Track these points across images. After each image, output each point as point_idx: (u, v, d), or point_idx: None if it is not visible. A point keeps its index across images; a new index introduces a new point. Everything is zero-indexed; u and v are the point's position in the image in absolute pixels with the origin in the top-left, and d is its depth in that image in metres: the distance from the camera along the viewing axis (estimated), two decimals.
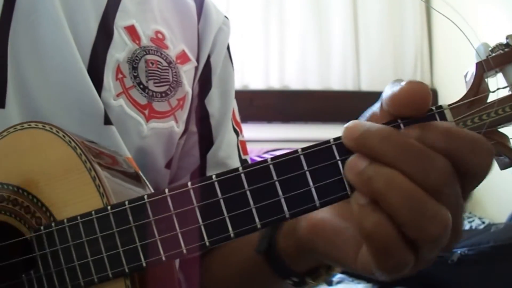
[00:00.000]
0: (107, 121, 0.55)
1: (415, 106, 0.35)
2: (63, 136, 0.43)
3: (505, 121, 0.37)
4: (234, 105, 0.73)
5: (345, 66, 2.75)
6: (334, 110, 2.58)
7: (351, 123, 0.35)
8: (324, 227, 0.42)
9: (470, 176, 0.34)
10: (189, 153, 0.67)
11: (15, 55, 0.53)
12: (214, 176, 0.36)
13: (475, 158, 0.34)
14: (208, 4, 0.70)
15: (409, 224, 0.32)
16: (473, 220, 2.29)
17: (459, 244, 1.64)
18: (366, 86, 2.75)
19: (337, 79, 2.75)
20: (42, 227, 0.41)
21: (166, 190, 0.37)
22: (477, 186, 0.35)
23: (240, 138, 0.72)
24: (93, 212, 0.39)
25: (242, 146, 0.72)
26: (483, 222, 2.21)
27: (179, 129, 0.63)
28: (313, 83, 2.74)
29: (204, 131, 0.68)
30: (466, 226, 2.22)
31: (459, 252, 1.61)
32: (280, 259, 0.48)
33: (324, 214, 0.42)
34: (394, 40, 2.77)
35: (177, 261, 0.62)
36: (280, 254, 0.48)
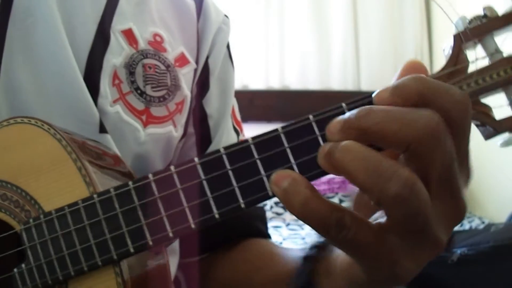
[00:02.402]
0: (103, 129, 0.54)
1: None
2: (48, 129, 0.43)
3: (486, 90, 0.37)
4: (234, 104, 0.72)
5: (345, 66, 2.76)
6: None
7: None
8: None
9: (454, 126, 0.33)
10: (187, 155, 0.66)
11: (9, 60, 0.52)
12: (196, 159, 0.36)
13: (450, 99, 0.33)
14: (207, 3, 0.68)
15: (367, 187, 0.32)
16: (473, 220, 2.29)
17: (459, 244, 1.64)
18: (366, 86, 2.76)
19: (337, 79, 2.76)
20: (31, 220, 0.41)
21: (150, 175, 0.37)
22: (463, 144, 0.34)
23: (241, 137, 0.71)
24: (79, 201, 0.39)
25: None
26: (483, 222, 2.21)
27: (177, 133, 0.61)
28: (313, 83, 2.75)
29: (202, 132, 0.66)
30: (466, 226, 2.22)
31: (459, 252, 1.61)
32: None
33: None
34: (394, 40, 2.77)
35: (175, 260, 0.62)
36: None
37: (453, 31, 0.38)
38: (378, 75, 2.72)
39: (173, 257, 0.62)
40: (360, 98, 0.36)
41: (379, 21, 2.76)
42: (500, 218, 2.04)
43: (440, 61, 2.74)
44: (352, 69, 2.76)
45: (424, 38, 2.80)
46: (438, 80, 0.35)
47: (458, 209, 0.35)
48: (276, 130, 0.36)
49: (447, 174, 0.33)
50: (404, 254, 0.35)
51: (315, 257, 0.47)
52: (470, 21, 0.38)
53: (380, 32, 2.76)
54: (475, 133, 0.38)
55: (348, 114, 0.34)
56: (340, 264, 0.41)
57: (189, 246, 0.64)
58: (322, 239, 0.47)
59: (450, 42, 0.38)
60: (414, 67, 0.37)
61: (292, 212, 0.33)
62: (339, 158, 0.33)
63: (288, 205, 0.33)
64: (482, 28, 0.38)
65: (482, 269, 1.58)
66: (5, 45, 0.52)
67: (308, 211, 0.33)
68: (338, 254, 0.42)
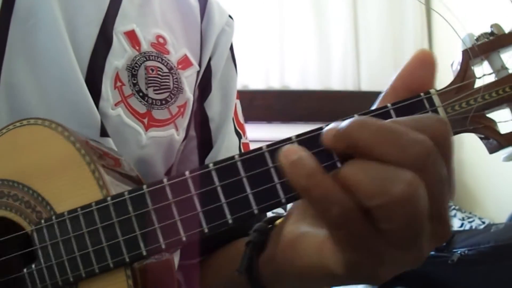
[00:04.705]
0: (104, 133, 0.54)
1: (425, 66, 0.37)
2: (62, 131, 0.43)
3: (492, 106, 0.38)
4: (237, 106, 0.71)
5: (345, 66, 2.75)
6: (334, 110, 2.58)
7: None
8: (294, 238, 0.41)
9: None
10: (188, 158, 0.65)
11: (10, 62, 0.52)
12: (211, 165, 0.37)
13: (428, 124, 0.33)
14: (211, 4, 0.68)
15: (372, 192, 0.31)
16: (473, 220, 2.29)
17: (459, 244, 1.65)
18: (366, 86, 2.75)
19: (337, 79, 2.75)
20: (42, 221, 0.41)
21: (165, 180, 0.38)
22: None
23: (243, 140, 0.71)
24: (93, 204, 0.40)
25: (245, 149, 0.70)
26: (483, 222, 2.21)
27: (179, 137, 0.61)
28: (313, 83, 2.75)
29: (203, 136, 0.66)
30: (466, 226, 2.22)
31: (459, 252, 1.61)
32: (261, 283, 0.46)
33: (296, 229, 0.40)
34: (394, 40, 2.77)
35: (176, 260, 0.62)
36: (261, 278, 0.46)
37: (460, 45, 0.39)
38: (378, 75, 2.72)
39: (175, 257, 0.62)
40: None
41: (379, 21, 2.75)
42: (500, 218, 2.04)
43: (440, 62, 2.76)
44: (352, 69, 2.76)
45: (424, 38, 2.80)
46: (446, 93, 0.36)
47: (444, 231, 0.35)
48: (290, 138, 0.36)
49: (439, 197, 0.33)
50: (390, 258, 0.34)
51: (255, 241, 0.47)
52: (478, 38, 0.39)
53: (380, 32, 2.76)
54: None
55: (343, 123, 0.34)
56: (307, 253, 0.39)
57: (190, 248, 0.64)
58: (264, 224, 0.48)
59: (458, 57, 0.39)
60: (424, 59, 0.38)
61: (296, 185, 0.33)
62: (345, 174, 0.33)
63: (294, 176, 0.33)
64: (489, 45, 0.39)
65: (482, 269, 1.58)
66: (7, 47, 0.52)
67: (312, 184, 0.32)
68: (306, 244, 0.40)
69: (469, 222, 2.27)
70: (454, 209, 2.42)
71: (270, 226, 0.48)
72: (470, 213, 2.39)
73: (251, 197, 0.36)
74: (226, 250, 0.63)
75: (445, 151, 0.33)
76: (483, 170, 2.35)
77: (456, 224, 2.26)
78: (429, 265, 1.64)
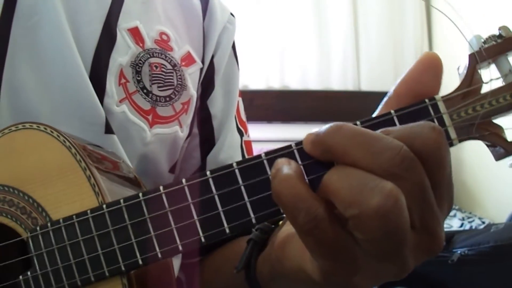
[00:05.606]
0: (108, 130, 0.54)
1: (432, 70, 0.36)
2: (58, 136, 0.43)
3: (499, 111, 0.37)
4: (239, 104, 0.71)
5: (345, 66, 2.75)
6: (334, 110, 2.58)
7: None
8: (285, 238, 0.40)
9: (428, 161, 0.32)
10: (191, 155, 0.65)
11: (13, 59, 0.52)
12: (208, 173, 0.36)
13: (423, 136, 0.32)
14: (213, 2, 0.68)
15: (348, 200, 0.30)
16: (473, 220, 2.29)
17: (459, 244, 1.64)
18: (366, 86, 2.75)
19: (337, 79, 2.75)
20: (38, 228, 0.41)
21: (161, 188, 0.37)
22: (443, 177, 0.33)
23: (245, 138, 0.71)
24: (88, 211, 0.39)
25: (246, 147, 0.70)
26: (483, 222, 2.21)
27: (183, 133, 0.61)
28: (313, 83, 2.75)
29: (206, 133, 0.66)
30: (466, 226, 2.22)
31: (459, 252, 1.61)
32: (257, 282, 0.46)
33: (290, 229, 0.40)
34: (394, 40, 2.77)
35: (178, 262, 0.62)
36: (257, 276, 0.46)
37: (461, 46, 0.38)
38: (378, 75, 2.72)
39: (176, 259, 0.62)
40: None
41: (379, 21, 2.75)
42: (500, 218, 2.04)
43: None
44: (352, 69, 2.76)
45: (424, 38, 2.80)
46: (452, 99, 0.35)
47: (433, 243, 0.34)
48: (290, 146, 0.36)
49: (422, 207, 0.32)
50: (367, 269, 0.33)
51: (256, 240, 0.47)
52: (485, 41, 0.37)
53: (380, 32, 2.76)
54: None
55: (321, 128, 0.33)
56: (292, 255, 0.39)
57: None
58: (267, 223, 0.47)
59: (465, 61, 0.38)
60: (429, 62, 0.36)
61: (271, 187, 0.32)
62: (325, 181, 0.32)
63: (272, 179, 0.33)
64: (497, 48, 0.37)
65: (482, 269, 1.58)
66: (9, 44, 0.52)
67: (284, 187, 0.32)
68: (293, 245, 0.39)
69: (469, 222, 2.28)
70: (454, 209, 2.42)
71: (273, 225, 0.47)
72: (470, 213, 2.39)
73: (249, 205, 0.35)
74: (227, 249, 0.63)
75: (437, 160, 0.32)
76: (483, 170, 2.35)
77: (456, 224, 2.26)
78: (429, 265, 1.63)
